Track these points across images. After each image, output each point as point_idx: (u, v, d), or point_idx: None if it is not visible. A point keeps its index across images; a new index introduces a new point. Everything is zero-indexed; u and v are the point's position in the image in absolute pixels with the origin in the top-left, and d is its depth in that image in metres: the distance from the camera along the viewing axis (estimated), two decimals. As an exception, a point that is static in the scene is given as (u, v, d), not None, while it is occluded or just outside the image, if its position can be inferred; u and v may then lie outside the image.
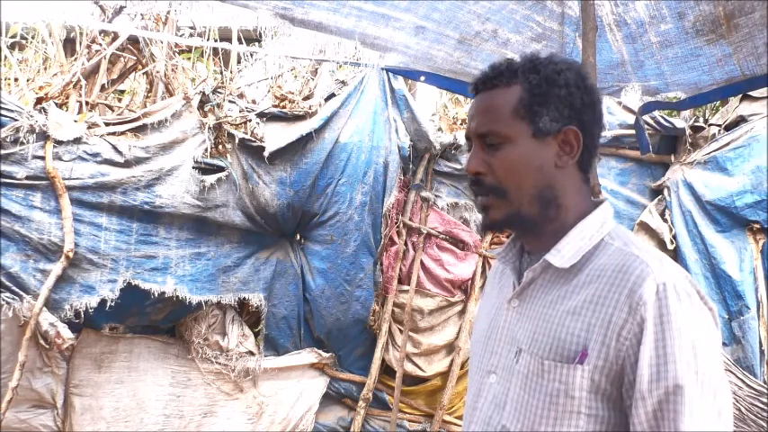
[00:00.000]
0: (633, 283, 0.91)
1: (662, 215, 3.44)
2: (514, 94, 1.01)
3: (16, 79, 2.79)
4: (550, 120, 1.00)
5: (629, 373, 0.89)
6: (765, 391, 3.09)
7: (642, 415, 0.86)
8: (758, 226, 3.26)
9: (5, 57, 2.85)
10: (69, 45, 3.33)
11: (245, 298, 2.95)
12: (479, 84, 1.07)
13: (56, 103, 2.65)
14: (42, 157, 2.49)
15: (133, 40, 3.01)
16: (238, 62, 3.34)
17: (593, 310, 0.93)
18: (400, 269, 3.27)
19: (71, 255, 2.51)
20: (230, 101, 2.99)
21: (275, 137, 2.91)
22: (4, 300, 2.43)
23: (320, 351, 3.13)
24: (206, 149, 2.78)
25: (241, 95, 3.19)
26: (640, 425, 0.86)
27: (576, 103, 1.02)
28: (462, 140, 3.35)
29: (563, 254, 1.00)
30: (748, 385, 3.11)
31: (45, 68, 2.96)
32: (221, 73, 3.13)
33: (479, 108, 1.06)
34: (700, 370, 0.85)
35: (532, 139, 1.01)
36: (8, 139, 2.44)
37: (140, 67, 3.09)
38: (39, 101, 2.67)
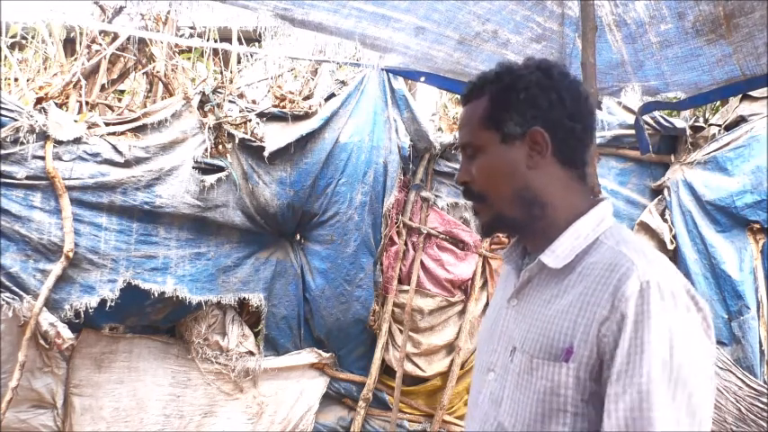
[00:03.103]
0: (618, 281, 0.92)
1: (662, 215, 3.44)
2: (482, 106, 1.08)
3: (16, 79, 2.79)
4: (514, 124, 1.04)
5: (606, 369, 0.90)
6: (765, 391, 3.08)
7: (613, 412, 0.86)
8: (758, 226, 3.25)
9: (5, 57, 2.85)
10: (69, 45, 3.33)
11: (245, 298, 2.95)
12: (462, 99, 1.15)
13: (56, 103, 2.65)
14: (42, 157, 2.49)
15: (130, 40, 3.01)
16: (238, 62, 3.34)
17: (579, 308, 0.95)
18: (400, 269, 3.27)
19: (71, 255, 2.51)
20: (230, 101, 2.99)
21: (275, 137, 2.91)
22: (4, 300, 2.43)
23: (320, 351, 3.13)
24: (206, 149, 2.78)
25: (241, 95, 3.19)
26: (609, 423, 0.86)
27: (541, 103, 1.04)
28: (462, 140, 3.35)
29: (557, 254, 1.02)
30: (748, 385, 3.10)
31: (45, 68, 2.96)
32: (221, 73, 3.13)
33: (460, 122, 1.14)
34: (674, 369, 0.85)
35: (501, 144, 1.06)
36: (8, 139, 2.44)
37: (140, 67, 3.09)
38: (39, 101, 2.67)
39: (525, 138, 1.04)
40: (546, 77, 1.05)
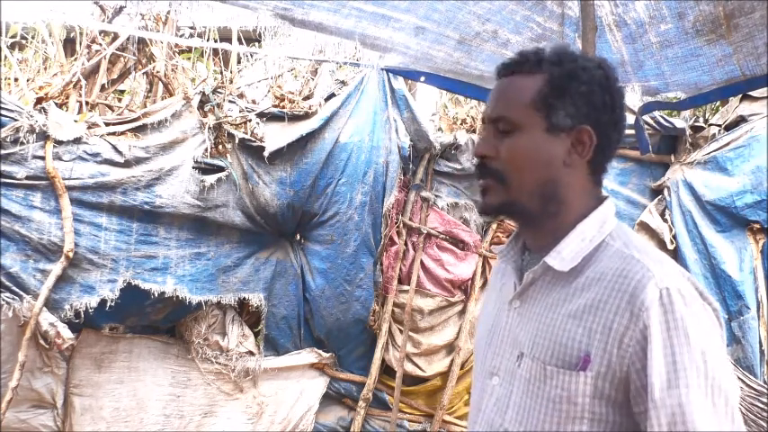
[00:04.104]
0: (634, 288, 0.89)
1: (662, 215, 3.44)
2: (535, 84, 1.00)
3: (16, 79, 2.79)
4: (565, 115, 0.98)
5: (636, 380, 0.87)
6: (765, 391, 3.09)
7: (655, 425, 0.84)
8: (758, 226, 3.26)
9: (5, 57, 2.85)
10: (69, 45, 3.32)
11: (245, 298, 2.95)
12: (503, 68, 1.06)
13: (56, 103, 2.65)
14: (42, 157, 2.49)
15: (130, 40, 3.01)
16: (238, 62, 3.34)
17: (594, 315, 0.92)
18: (400, 269, 3.27)
19: (71, 255, 2.51)
20: (230, 101, 2.98)
21: (275, 137, 2.91)
22: (4, 300, 2.42)
23: (320, 351, 3.13)
24: (206, 149, 2.78)
25: (241, 95, 3.18)
26: None
27: (597, 102, 0.99)
28: (462, 140, 3.36)
29: (563, 256, 0.98)
30: (748, 385, 3.11)
31: (45, 68, 2.95)
32: (221, 73, 3.13)
33: (498, 92, 1.05)
34: (709, 375, 0.84)
35: (545, 132, 0.99)
36: (8, 139, 2.43)
37: (140, 67, 3.09)
38: (39, 101, 2.66)
39: (571, 133, 0.99)
40: (605, 77, 1.01)
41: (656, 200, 3.49)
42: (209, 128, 2.79)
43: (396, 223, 3.25)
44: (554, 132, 0.99)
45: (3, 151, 2.42)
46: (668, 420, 0.84)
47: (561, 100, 0.99)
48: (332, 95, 3.08)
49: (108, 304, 2.60)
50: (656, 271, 0.90)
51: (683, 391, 0.83)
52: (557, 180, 1.00)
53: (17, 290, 2.45)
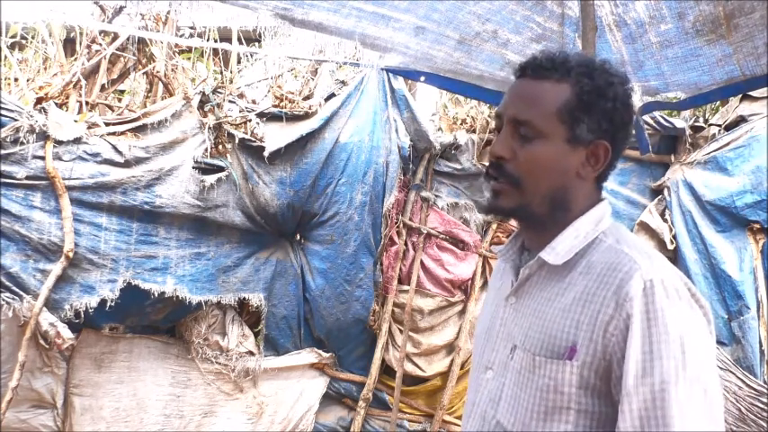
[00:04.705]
0: (621, 280, 0.92)
1: (662, 215, 3.44)
2: (563, 94, 1.00)
3: (16, 79, 2.79)
4: (588, 129, 1.01)
5: (616, 369, 0.89)
6: (765, 391, 3.09)
7: (627, 412, 0.85)
8: (758, 226, 3.26)
9: (5, 57, 2.85)
10: (69, 45, 3.32)
11: (245, 298, 2.95)
12: (529, 68, 1.05)
13: (56, 103, 2.65)
14: (42, 157, 2.49)
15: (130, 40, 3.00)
16: (238, 62, 3.34)
17: (582, 306, 0.94)
18: (400, 269, 3.27)
19: (71, 255, 2.51)
20: (230, 101, 2.98)
21: (275, 137, 2.91)
22: (4, 300, 2.42)
23: (320, 351, 3.13)
24: (206, 149, 2.78)
25: (241, 95, 3.18)
26: (624, 423, 0.86)
27: (616, 120, 1.02)
28: (462, 140, 3.36)
29: (557, 251, 1.01)
30: (748, 385, 3.11)
31: (45, 68, 2.95)
32: (221, 73, 3.13)
33: (523, 95, 1.04)
34: (688, 367, 0.85)
35: (565, 143, 1.00)
36: (8, 139, 2.43)
37: (140, 67, 3.09)
38: (39, 101, 2.66)
39: (589, 146, 1.01)
40: (626, 95, 1.03)
41: (656, 200, 3.49)
42: (210, 128, 2.79)
43: (396, 223, 3.25)
44: (573, 144, 1.01)
45: (3, 151, 2.42)
46: (639, 406, 0.85)
47: (587, 115, 1.00)
48: (332, 95, 3.08)
49: (108, 304, 2.60)
50: (642, 264, 0.92)
51: (657, 380, 0.84)
52: (568, 189, 1.02)
53: (17, 290, 2.45)
